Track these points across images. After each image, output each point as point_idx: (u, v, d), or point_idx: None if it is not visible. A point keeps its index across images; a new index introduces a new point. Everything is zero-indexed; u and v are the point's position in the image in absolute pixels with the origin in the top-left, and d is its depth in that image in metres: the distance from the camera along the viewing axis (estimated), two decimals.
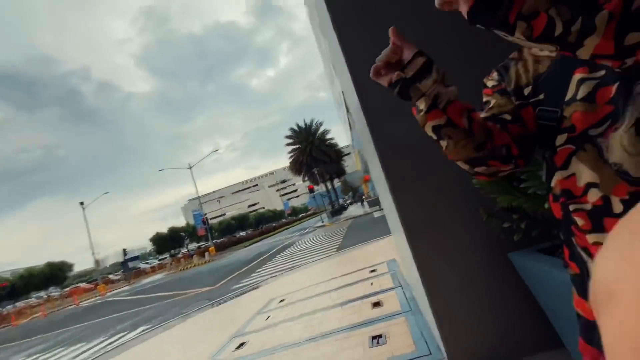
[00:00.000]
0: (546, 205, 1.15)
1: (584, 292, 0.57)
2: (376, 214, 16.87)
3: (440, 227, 1.70)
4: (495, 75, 0.68)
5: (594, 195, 0.49)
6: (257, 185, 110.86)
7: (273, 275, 7.81)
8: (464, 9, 0.44)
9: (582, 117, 0.50)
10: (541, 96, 0.56)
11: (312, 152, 38.03)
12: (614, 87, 0.46)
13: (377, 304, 3.15)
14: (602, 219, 0.49)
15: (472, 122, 0.58)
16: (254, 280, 8.04)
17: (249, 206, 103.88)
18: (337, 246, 9.59)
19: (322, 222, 24.49)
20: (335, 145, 40.80)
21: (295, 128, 40.83)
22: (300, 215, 59.64)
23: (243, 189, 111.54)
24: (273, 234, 36.06)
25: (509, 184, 1.34)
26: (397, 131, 1.80)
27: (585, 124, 0.50)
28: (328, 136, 40.49)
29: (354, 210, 29.35)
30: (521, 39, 0.42)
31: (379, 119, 1.83)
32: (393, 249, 5.46)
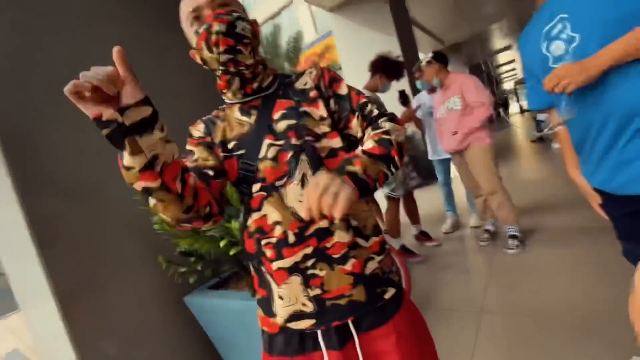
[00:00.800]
0: (221, 245, 1.34)
1: (269, 311, 0.72)
2: None
3: (110, 286, 1.44)
4: (201, 126, 0.75)
5: (278, 231, 0.66)
6: None
7: None
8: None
9: (270, 172, 0.67)
10: (242, 151, 0.70)
11: None
12: (289, 154, 0.67)
13: None
14: (282, 249, 0.66)
15: (184, 186, 0.57)
16: None
17: None
18: None
19: None
20: None
21: None
22: None
23: None
24: None
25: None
26: (51, 166, 1.38)
27: (273, 177, 0.67)
28: None
29: None
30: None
31: (21, 148, 1.31)
32: (16, 332, 3.73)
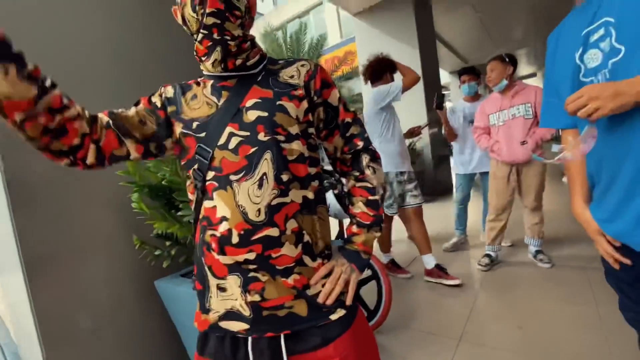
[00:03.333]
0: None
1: (202, 307, 0.67)
2: None
3: (81, 258, 1.41)
4: (170, 91, 0.70)
5: (224, 227, 0.61)
6: None
7: None
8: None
9: (227, 163, 0.62)
10: (203, 134, 0.65)
11: None
12: (253, 148, 0.61)
13: None
14: (224, 246, 0.61)
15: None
16: None
17: None
18: None
19: None
20: None
21: None
22: None
23: None
24: None
25: (168, 212, 1.40)
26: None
27: (228, 170, 0.62)
28: None
29: None
30: None
31: None
32: None
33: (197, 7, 0.59)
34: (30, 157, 1.32)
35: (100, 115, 0.65)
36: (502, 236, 2.50)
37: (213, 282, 0.65)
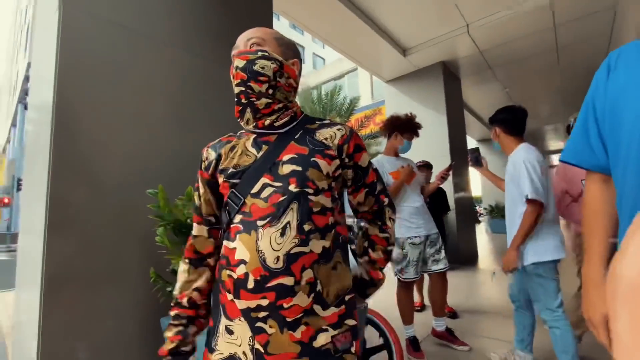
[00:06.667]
0: None
1: (209, 345, 0.68)
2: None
3: (97, 284, 1.43)
4: (211, 153, 0.79)
5: (241, 270, 0.63)
6: None
7: None
8: None
9: (257, 209, 0.66)
10: (237, 181, 0.70)
11: None
12: (282, 197, 0.65)
13: None
14: (239, 289, 0.63)
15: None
16: None
17: None
18: None
19: None
20: None
21: None
22: None
23: None
24: None
25: None
26: (88, 156, 1.48)
27: (257, 215, 0.65)
28: None
29: None
30: None
31: (69, 130, 1.44)
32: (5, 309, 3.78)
33: (232, 79, 0.74)
34: (78, 179, 1.44)
35: (206, 239, 0.79)
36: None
37: (223, 322, 0.65)
